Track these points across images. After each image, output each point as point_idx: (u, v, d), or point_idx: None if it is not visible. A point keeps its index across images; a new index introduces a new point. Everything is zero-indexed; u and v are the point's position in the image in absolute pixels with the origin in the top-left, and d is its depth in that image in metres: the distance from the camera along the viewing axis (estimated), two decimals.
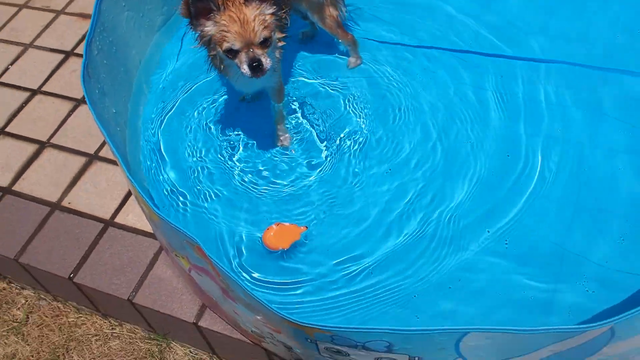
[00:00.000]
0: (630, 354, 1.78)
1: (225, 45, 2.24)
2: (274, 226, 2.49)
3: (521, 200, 2.52)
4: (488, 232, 2.44)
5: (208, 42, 2.33)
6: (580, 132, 2.72)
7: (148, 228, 2.69)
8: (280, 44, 2.41)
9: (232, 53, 2.27)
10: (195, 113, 2.99)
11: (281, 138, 2.80)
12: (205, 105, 3.00)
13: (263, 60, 2.24)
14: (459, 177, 2.62)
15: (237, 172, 2.76)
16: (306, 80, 3.06)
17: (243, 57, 2.25)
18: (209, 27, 2.28)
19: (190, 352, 2.65)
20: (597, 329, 1.53)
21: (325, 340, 1.73)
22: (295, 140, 2.83)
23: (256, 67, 2.24)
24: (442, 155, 2.70)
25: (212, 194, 2.70)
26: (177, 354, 2.67)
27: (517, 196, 2.53)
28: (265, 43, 2.27)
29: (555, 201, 2.50)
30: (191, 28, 2.34)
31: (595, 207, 2.46)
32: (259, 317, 1.88)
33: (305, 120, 2.90)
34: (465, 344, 1.63)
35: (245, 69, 2.25)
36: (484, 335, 1.58)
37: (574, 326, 1.52)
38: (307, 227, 2.48)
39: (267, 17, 2.28)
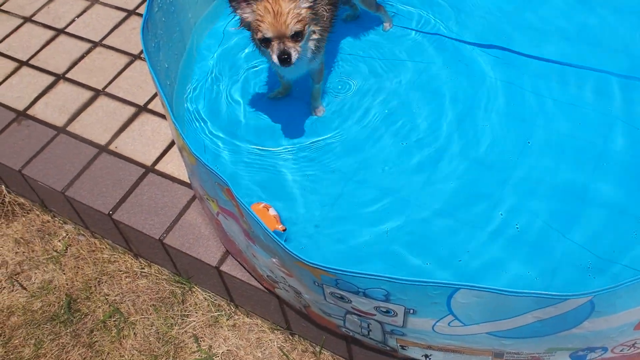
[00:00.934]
0: (611, 333, 1.89)
1: (259, 34, 2.39)
2: (261, 205, 2.57)
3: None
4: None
5: (248, 26, 2.48)
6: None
7: (184, 177, 2.90)
8: (315, 36, 2.52)
9: (265, 42, 2.41)
10: (240, 78, 3.17)
11: (316, 109, 2.97)
12: (249, 72, 3.19)
13: (292, 53, 2.37)
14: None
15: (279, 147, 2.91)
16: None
17: (274, 47, 2.38)
18: (248, 14, 2.43)
19: (210, 297, 2.85)
20: (577, 299, 1.66)
21: (331, 284, 1.89)
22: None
23: (285, 59, 2.37)
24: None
25: (246, 156, 2.88)
26: (197, 298, 2.87)
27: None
28: (297, 36, 2.39)
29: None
30: (232, 10, 2.48)
31: None
32: (274, 260, 2.05)
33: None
34: (456, 301, 1.77)
35: (275, 59, 2.39)
36: (473, 293, 1.72)
37: (554, 293, 1.65)
38: (285, 229, 2.51)
39: (303, 11, 2.39)
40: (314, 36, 2.54)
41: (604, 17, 3.24)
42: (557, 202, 2.57)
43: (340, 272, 1.79)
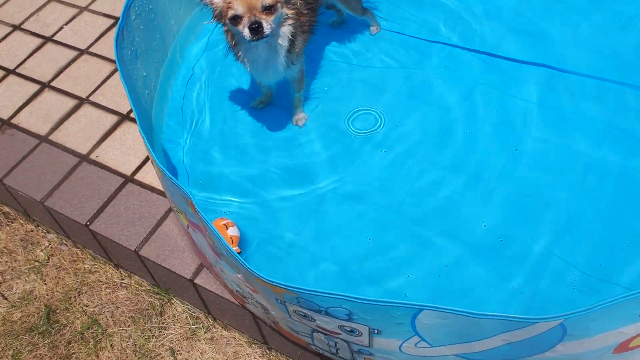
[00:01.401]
0: (587, 356, 1.80)
1: (230, 12, 2.30)
2: (223, 222, 2.49)
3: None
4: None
5: (220, 16, 2.40)
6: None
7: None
8: (289, 21, 2.45)
9: (236, 20, 2.32)
10: (222, 86, 3.13)
11: (297, 118, 2.92)
12: (233, 80, 3.13)
13: (264, 23, 2.28)
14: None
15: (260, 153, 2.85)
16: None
17: (245, 20, 2.29)
18: (218, 0, 2.37)
19: (189, 309, 2.78)
20: (546, 322, 1.57)
21: (293, 302, 1.82)
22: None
23: (256, 29, 2.28)
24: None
25: (228, 169, 2.82)
26: (176, 310, 2.81)
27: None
28: (268, 9, 2.31)
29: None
30: (200, 0, 2.41)
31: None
32: (239, 275, 1.99)
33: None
34: (420, 322, 1.69)
35: (246, 32, 2.30)
36: (437, 314, 1.63)
37: (521, 316, 1.56)
38: (239, 252, 2.43)
39: None
40: (288, 22, 2.46)
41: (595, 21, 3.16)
42: (541, 216, 2.48)
43: (300, 290, 1.72)
